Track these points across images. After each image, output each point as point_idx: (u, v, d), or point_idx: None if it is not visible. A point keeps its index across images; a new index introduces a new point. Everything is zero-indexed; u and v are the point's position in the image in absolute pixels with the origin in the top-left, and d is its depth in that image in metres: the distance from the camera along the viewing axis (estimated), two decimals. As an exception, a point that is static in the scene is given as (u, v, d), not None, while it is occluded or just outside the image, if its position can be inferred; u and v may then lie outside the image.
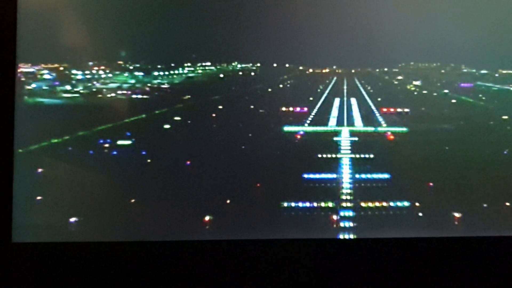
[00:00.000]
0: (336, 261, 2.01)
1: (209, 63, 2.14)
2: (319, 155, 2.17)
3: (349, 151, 2.19)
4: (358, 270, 1.99)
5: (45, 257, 1.87)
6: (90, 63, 2.07)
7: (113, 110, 2.13)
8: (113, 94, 2.18)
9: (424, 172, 2.13)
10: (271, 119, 2.18)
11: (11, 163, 1.87)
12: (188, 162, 2.12)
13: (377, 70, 2.15)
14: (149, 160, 2.09)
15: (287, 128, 2.18)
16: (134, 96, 2.19)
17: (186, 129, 2.15)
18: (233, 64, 2.16)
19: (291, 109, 2.17)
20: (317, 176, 2.15)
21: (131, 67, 2.14)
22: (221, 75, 2.18)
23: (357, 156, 2.18)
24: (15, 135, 1.88)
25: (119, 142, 2.10)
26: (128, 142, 2.12)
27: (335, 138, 2.21)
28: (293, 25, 2.06)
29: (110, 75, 2.13)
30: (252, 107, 2.18)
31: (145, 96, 2.20)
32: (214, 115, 2.18)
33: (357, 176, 2.15)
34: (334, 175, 2.16)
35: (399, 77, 2.16)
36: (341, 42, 2.07)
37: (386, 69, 2.15)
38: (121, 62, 2.11)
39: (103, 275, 1.88)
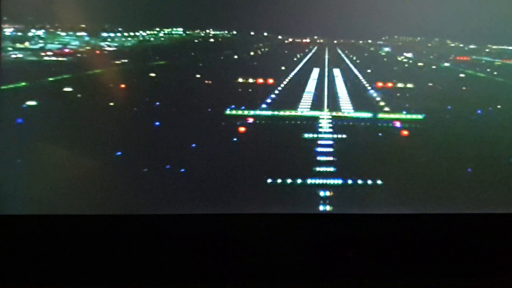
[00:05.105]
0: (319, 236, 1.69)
1: (180, 29, 1.81)
2: (269, 180, 1.66)
3: (332, 167, 1.67)
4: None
5: (31, 229, 1.78)
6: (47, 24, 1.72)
7: None
8: (20, 55, 1.70)
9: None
10: (214, 96, 1.70)
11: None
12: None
13: (361, 41, 1.86)
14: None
15: (230, 111, 1.70)
16: (46, 58, 1.71)
17: (61, 107, 1.68)
18: (207, 31, 1.84)
19: (251, 80, 1.72)
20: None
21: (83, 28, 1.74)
22: (186, 40, 1.81)
23: (349, 182, 1.64)
24: None
25: None
26: None
27: (306, 135, 1.73)
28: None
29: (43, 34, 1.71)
30: (198, 76, 1.70)
31: (61, 59, 1.68)
32: (123, 86, 1.65)
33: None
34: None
35: (386, 49, 1.89)
36: (323, 11, 1.90)
37: (370, 41, 1.85)
38: (84, 25, 1.76)
39: (90, 248, 1.78)
